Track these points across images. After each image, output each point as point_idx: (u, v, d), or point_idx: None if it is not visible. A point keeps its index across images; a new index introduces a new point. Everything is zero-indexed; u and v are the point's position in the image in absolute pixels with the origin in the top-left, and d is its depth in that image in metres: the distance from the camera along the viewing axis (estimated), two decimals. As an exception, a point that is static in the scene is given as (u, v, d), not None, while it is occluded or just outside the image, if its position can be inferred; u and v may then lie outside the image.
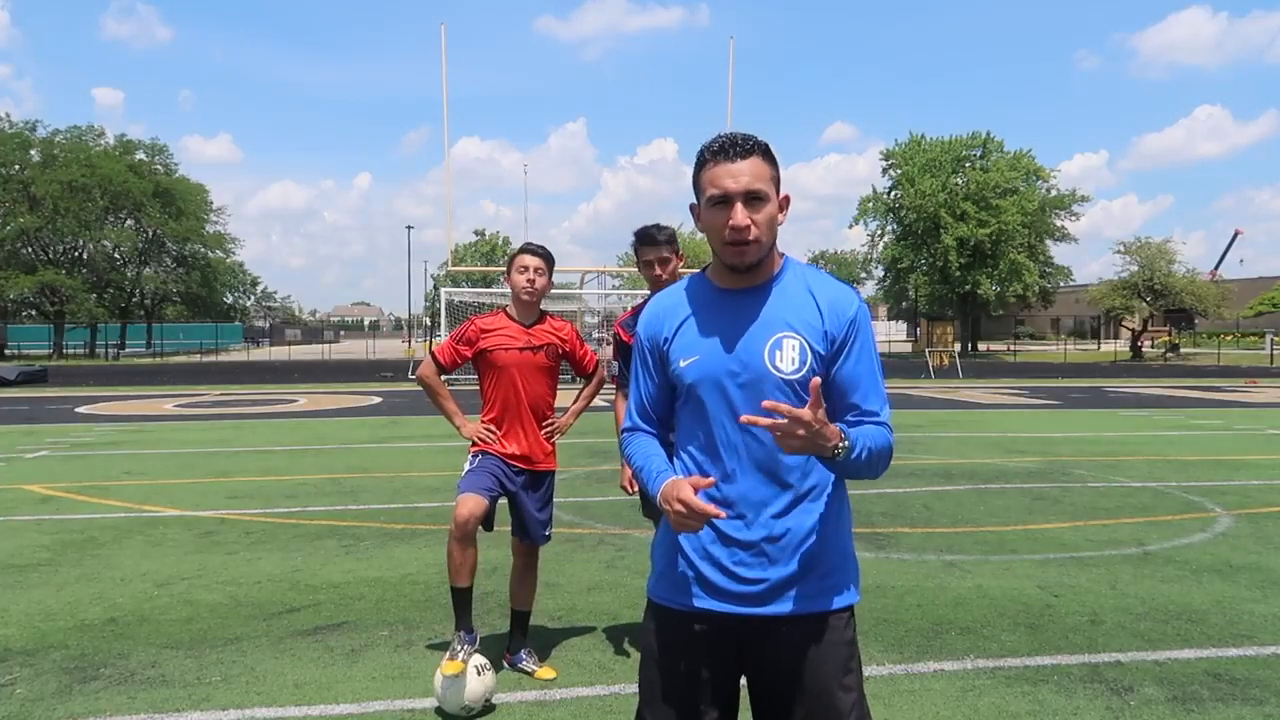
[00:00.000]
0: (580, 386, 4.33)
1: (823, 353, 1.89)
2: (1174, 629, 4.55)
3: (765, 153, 1.89)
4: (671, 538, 1.97)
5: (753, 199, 1.85)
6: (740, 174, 1.85)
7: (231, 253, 64.86)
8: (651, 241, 3.99)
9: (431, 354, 4.20)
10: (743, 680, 1.99)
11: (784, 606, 1.89)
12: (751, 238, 1.85)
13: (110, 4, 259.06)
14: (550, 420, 4.10)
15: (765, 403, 1.74)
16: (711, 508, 1.81)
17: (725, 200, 1.86)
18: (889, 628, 4.59)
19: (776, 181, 1.91)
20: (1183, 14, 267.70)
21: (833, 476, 1.93)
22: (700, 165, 1.91)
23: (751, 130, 1.92)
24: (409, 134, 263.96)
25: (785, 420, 1.71)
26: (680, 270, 4.13)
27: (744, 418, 1.79)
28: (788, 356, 1.88)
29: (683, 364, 1.95)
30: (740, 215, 1.84)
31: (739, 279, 1.94)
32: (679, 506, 1.81)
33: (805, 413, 1.70)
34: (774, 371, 1.88)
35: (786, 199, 1.94)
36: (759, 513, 1.90)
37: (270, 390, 23.81)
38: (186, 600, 5.06)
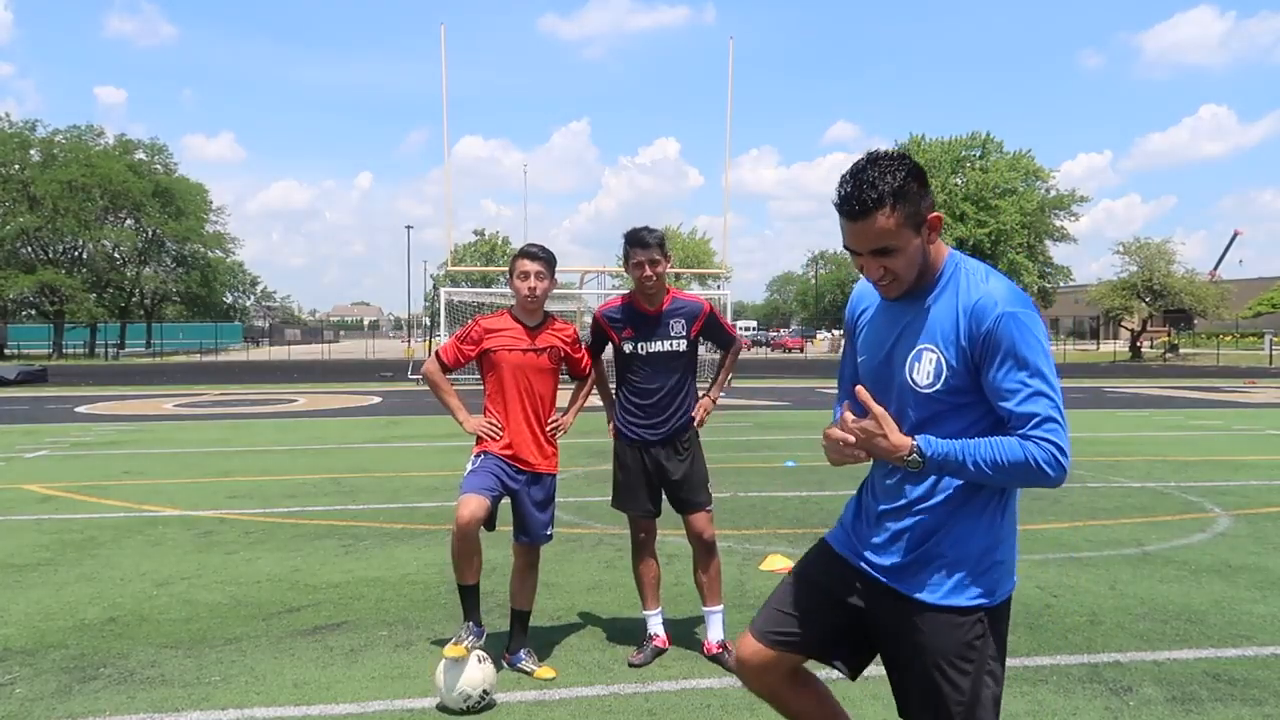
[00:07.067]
0: (575, 386, 4.35)
1: (957, 366, 1.91)
2: (1173, 629, 4.55)
3: (894, 197, 1.86)
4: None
5: (881, 253, 1.92)
6: (860, 235, 1.92)
7: (231, 252, 64.94)
8: (643, 244, 4.03)
9: (436, 353, 4.23)
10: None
11: (898, 583, 2.00)
12: (887, 282, 1.97)
13: (114, 1, 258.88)
14: (554, 420, 4.12)
15: (860, 391, 1.93)
16: (835, 430, 1.97)
17: (856, 254, 1.98)
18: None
19: (911, 219, 1.89)
20: (1188, 14, 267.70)
21: (959, 484, 1.94)
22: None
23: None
24: (411, 134, 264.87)
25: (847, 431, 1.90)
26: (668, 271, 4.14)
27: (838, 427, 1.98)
28: (924, 370, 1.92)
29: (859, 359, 2.13)
30: (872, 269, 1.95)
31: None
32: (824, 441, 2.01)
33: (847, 422, 1.91)
34: (911, 385, 1.94)
35: (935, 220, 1.93)
36: (890, 500, 2.01)
37: (270, 390, 23.80)
38: (186, 600, 5.06)
